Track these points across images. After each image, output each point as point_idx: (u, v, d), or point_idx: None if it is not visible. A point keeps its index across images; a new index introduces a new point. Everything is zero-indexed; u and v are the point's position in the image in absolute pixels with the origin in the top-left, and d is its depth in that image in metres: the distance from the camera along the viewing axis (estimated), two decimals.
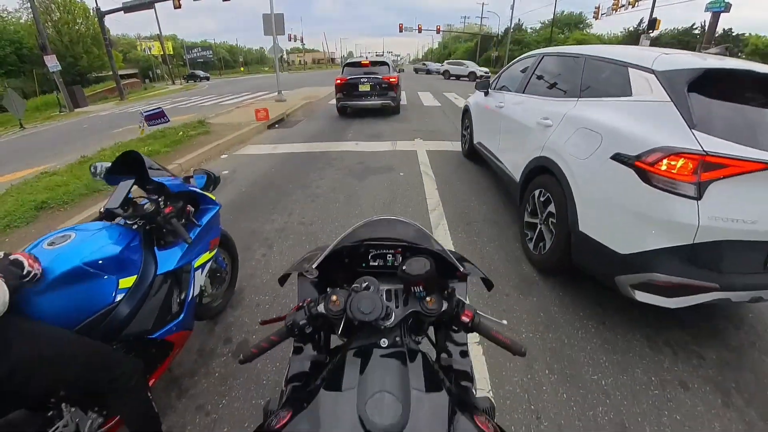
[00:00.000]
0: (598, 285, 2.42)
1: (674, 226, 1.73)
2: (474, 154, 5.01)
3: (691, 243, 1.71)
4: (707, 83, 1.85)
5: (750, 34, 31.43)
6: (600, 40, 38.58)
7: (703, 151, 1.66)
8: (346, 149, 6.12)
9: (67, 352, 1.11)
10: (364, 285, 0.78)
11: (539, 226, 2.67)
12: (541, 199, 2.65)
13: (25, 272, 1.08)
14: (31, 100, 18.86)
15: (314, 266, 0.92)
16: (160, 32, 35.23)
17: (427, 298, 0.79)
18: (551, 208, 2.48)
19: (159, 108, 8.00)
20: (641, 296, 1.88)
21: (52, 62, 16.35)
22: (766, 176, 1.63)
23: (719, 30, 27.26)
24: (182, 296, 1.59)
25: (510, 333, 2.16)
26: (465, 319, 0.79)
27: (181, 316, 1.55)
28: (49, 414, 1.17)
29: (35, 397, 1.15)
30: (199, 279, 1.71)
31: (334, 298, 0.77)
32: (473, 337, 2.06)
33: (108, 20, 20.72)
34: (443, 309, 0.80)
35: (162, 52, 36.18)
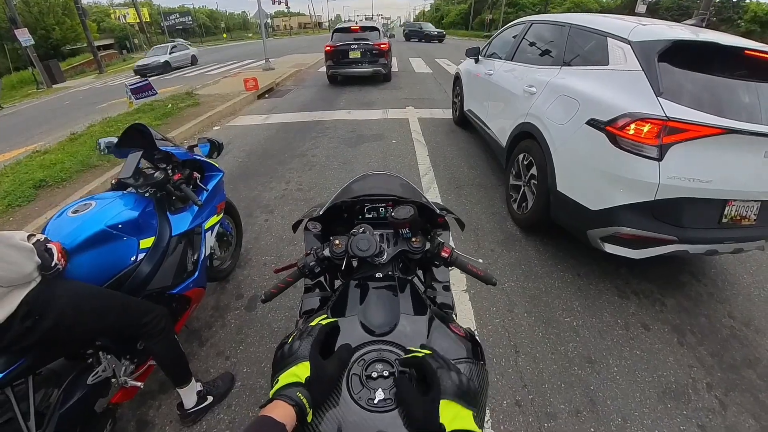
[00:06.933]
0: (574, 242, 2.63)
1: (638, 185, 1.91)
2: (464, 122, 5.09)
3: (652, 199, 1.90)
4: (676, 54, 1.98)
5: (751, 0, 30.34)
6: (599, 3, 36.75)
7: (666, 117, 1.81)
8: (338, 118, 6.13)
9: (104, 304, 1.27)
10: (361, 230, 0.94)
11: (522, 188, 2.85)
12: (525, 162, 2.81)
13: (53, 264, 1.15)
14: (5, 78, 17.98)
15: (320, 212, 1.08)
16: None
17: (413, 239, 0.96)
18: (533, 170, 2.65)
19: (146, 80, 7.75)
20: (610, 248, 2.09)
21: (24, 36, 15.43)
22: (723, 140, 1.80)
23: None
24: (195, 256, 1.75)
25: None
26: (444, 254, 0.95)
27: (196, 274, 1.72)
28: (88, 361, 1.35)
29: (77, 346, 1.32)
30: (209, 240, 1.87)
31: (337, 242, 0.93)
32: (461, 286, 2.29)
33: None
34: (426, 248, 0.96)
35: (138, 20, 34.28)
